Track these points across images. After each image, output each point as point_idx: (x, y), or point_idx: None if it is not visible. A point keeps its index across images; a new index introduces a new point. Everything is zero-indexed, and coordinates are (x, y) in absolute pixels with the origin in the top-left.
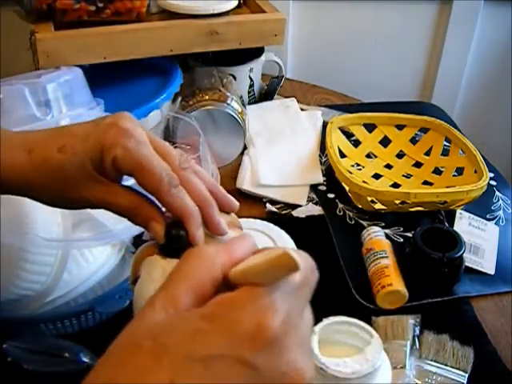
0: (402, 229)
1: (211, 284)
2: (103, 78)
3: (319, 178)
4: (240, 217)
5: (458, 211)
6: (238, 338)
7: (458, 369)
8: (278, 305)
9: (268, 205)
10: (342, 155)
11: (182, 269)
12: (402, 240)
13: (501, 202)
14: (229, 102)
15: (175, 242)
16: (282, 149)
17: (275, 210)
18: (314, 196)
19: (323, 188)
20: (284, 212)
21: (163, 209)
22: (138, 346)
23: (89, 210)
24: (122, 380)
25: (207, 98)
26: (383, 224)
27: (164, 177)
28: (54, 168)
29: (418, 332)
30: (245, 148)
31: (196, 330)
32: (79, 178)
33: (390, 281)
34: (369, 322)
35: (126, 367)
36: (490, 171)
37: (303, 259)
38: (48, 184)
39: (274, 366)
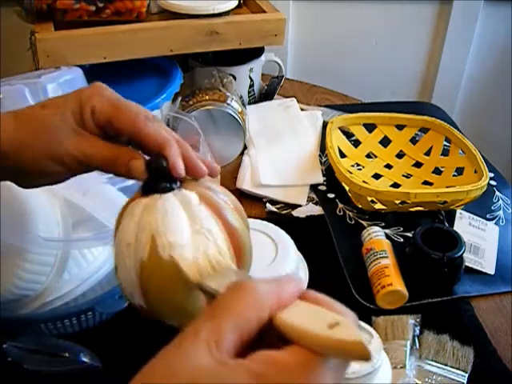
0: (401, 229)
1: (257, 325)
2: (103, 78)
3: (319, 178)
4: None
5: (458, 211)
6: None
7: (458, 369)
8: (330, 379)
9: (268, 205)
10: (342, 155)
11: (230, 303)
12: (402, 240)
13: (501, 201)
14: (229, 101)
15: (156, 173)
16: (282, 149)
17: (275, 210)
18: (314, 196)
19: (323, 188)
20: (284, 212)
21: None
22: None
23: (89, 210)
24: None
25: (207, 98)
26: (383, 224)
27: (140, 113)
28: (39, 123)
29: (417, 332)
30: (245, 148)
31: None
32: (62, 131)
33: (390, 281)
34: (369, 322)
35: None
36: (490, 171)
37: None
38: (33, 142)
39: None
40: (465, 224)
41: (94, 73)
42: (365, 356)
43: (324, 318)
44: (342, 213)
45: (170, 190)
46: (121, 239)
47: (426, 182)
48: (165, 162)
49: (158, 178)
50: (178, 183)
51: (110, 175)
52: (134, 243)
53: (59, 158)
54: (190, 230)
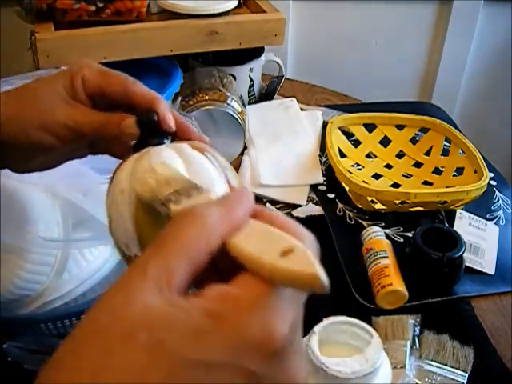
0: (401, 229)
1: (209, 255)
2: None
3: (319, 178)
4: None
5: (458, 211)
6: (244, 346)
7: (458, 369)
8: (287, 312)
9: (268, 205)
10: (342, 155)
11: (178, 234)
12: (402, 240)
13: (501, 201)
14: (229, 101)
15: (147, 126)
16: (282, 149)
17: (275, 209)
18: (314, 196)
19: (323, 188)
20: (284, 212)
21: None
22: (131, 336)
23: (89, 210)
24: (110, 377)
25: (207, 98)
26: (383, 224)
27: (128, 77)
28: (30, 94)
29: (417, 332)
30: (245, 148)
31: (198, 330)
32: (53, 101)
33: (390, 281)
34: (369, 322)
35: (116, 360)
36: (490, 171)
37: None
38: (24, 112)
39: (276, 376)
40: (465, 224)
41: None
42: (319, 288)
43: (278, 244)
44: (341, 213)
45: (162, 144)
46: (114, 190)
47: (426, 182)
48: (155, 115)
49: (150, 133)
50: (170, 138)
51: (110, 175)
52: (128, 188)
53: (51, 127)
54: (186, 169)
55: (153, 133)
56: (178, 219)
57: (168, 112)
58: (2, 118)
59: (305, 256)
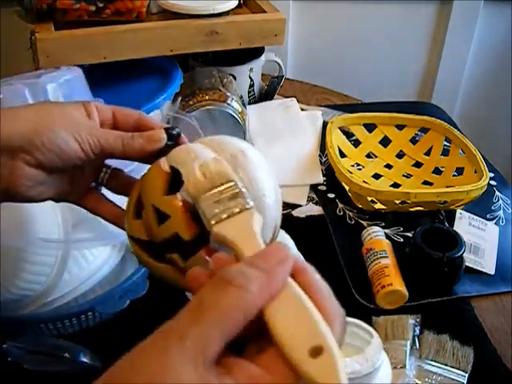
0: (401, 229)
1: (243, 325)
2: (103, 78)
3: (319, 178)
4: None
5: (458, 211)
6: None
7: (458, 369)
8: None
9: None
10: (342, 155)
11: (217, 305)
12: (402, 240)
13: (501, 201)
14: (229, 102)
15: (175, 138)
16: (282, 149)
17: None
18: (314, 196)
19: (323, 188)
20: (284, 212)
21: None
22: None
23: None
24: None
25: (207, 98)
26: (383, 224)
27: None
28: (55, 109)
29: (417, 332)
30: None
31: None
32: (78, 118)
33: (390, 281)
34: (369, 322)
35: None
36: (490, 171)
37: None
38: (53, 121)
39: None
40: (465, 224)
41: (94, 73)
42: None
43: (310, 338)
44: (341, 213)
45: None
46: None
47: (426, 182)
48: (178, 129)
49: (174, 143)
50: None
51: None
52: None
53: (77, 134)
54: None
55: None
56: (219, 285)
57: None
58: (29, 126)
59: (331, 362)
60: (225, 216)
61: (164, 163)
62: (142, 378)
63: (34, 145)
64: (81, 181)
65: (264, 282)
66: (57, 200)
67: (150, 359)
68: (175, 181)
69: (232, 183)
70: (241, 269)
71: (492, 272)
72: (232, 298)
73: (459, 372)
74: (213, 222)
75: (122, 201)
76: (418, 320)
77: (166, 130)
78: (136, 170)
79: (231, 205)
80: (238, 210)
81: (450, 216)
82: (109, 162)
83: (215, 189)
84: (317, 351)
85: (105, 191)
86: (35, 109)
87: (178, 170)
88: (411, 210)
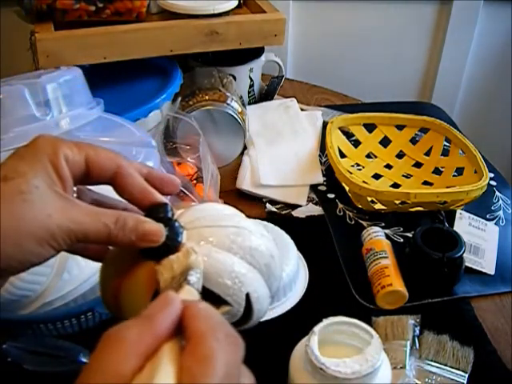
0: (401, 229)
1: (132, 376)
2: (103, 78)
3: (319, 178)
4: None
5: (458, 211)
6: None
7: (458, 369)
8: None
9: (268, 205)
10: (342, 155)
11: (100, 363)
12: (401, 240)
13: (501, 202)
14: (229, 102)
15: (167, 223)
16: (282, 149)
17: (275, 210)
18: (314, 196)
19: (323, 188)
20: (284, 212)
21: None
22: None
23: None
24: None
25: (207, 98)
26: (383, 224)
27: (117, 153)
28: (11, 199)
29: (417, 332)
30: (245, 148)
31: None
32: (45, 199)
33: (390, 281)
34: (369, 322)
35: None
36: (489, 171)
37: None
38: (13, 226)
39: None
40: (465, 224)
41: (93, 73)
42: None
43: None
44: (341, 213)
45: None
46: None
47: (426, 182)
48: (170, 209)
49: (174, 233)
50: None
51: None
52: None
53: (49, 234)
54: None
55: (171, 230)
56: (101, 344)
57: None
58: None
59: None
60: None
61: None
62: None
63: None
64: None
65: (142, 330)
66: None
67: None
68: None
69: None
70: (123, 323)
71: (492, 272)
72: (110, 353)
73: (459, 372)
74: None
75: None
76: (418, 320)
77: (156, 217)
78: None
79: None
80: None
81: (450, 216)
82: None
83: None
84: None
85: None
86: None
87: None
88: (411, 210)
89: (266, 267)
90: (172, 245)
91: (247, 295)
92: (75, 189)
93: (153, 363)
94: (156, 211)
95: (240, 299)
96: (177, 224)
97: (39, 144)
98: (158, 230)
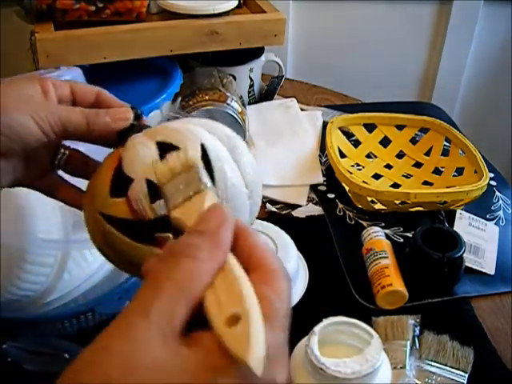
0: (401, 229)
1: (203, 293)
2: (103, 78)
3: (319, 178)
4: None
5: (458, 211)
6: None
7: (458, 369)
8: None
9: (268, 205)
10: (342, 155)
11: (173, 277)
12: (401, 240)
13: (501, 202)
14: (229, 102)
15: (138, 117)
16: (282, 149)
17: (275, 210)
18: (314, 196)
19: (323, 188)
20: (284, 212)
21: None
22: None
23: None
24: None
25: (207, 98)
26: (383, 224)
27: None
28: (9, 92)
29: (417, 332)
30: None
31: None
32: (38, 97)
33: (390, 281)
34: (369, 322)
35: None
36: (489, 171)
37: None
38: (12, 105)
39: None
40: (465, 224)
41: (94, 73)
42: (250, 369)
43: (231, 305)
44: (341, 213)
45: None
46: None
47: (426, 182)
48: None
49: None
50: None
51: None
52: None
53: (33, 110)
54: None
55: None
56: (169, 260)
57: None
58: None
59: (245, 333)
60: (180, 200)
61: (148, 138)
62: (113, 360)
63: None
64: (36, 164)
65: (211, 246)
66: (10, 186)
67: (117, 340)
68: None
69: (194, 169)
70: (186, 240)
71: (492, 272)
72: (185, 268)
73: (459, 372)
74: (171, 207)
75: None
76: (418, 320)
77: (132, 108)
78: (92, 150)
79: (187, 189)
80: (191, 192)
81: (450, 216)
82: (66, 142)
83: (177, 176)
84: (234, 320)
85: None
86: None
87: (169, 144)
88: (411, 210)
89: (228, 138)
90: (143, 125)
91: (202, 146)
92: None
93: (226, 278)
94: (135, 107)
95: (194, 144)
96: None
97: (32, 74)
98: (126, 109)
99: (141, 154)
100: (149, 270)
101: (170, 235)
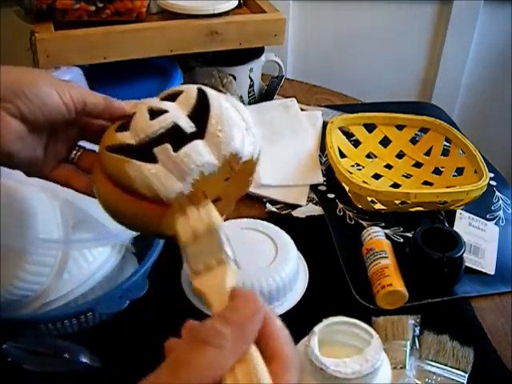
0: (401, 229)
1: (213, 382)
2: (103, 78)
3: (319, 178)
4: (240, 217)
5: (458, 211)
6: None
7: (458, 369)
8: None
9: (268, 205)
10: (342, 155)
11: (194, 364)
12: (401, 240)
13: (501, 202)
14: None
15: None
16: (282, 149)
17: (275, 210)
18: (314, 196)
19: (323, 188)
20: (284, 212)
21: None
22: None
23: (89, 211)
24: None
25: None
26: (383, 224)
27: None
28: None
29: (417, 332)
30: None
31: None
32: (46, 77)
33: (390, 281)
34: (369, 322)
35: None
36: (489, 171)
37: None
38: (36, 77)
39: None
40: (465, 224)
41: (94, 73)
42: None
43: None
44: (341, 213)
45: None
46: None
47: (426, 182)
48: None
49: None
50: None
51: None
52: None
53: (61, 88)
54: None
55: None
56: (195, 345)
57: None
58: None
59: None
60: (202, 268)
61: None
62: None
63: (17, 94)
64: (55, 151)
65: (236, 338)
66: (29, 172)
67: None
68: None
69: (217, 234)
70: (214, 327)
71: (492, 272)
72: (208, 357)
73: (459, 372)
74: (192, 275)
75: None
76: (418, 320)
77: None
78: None
79: (210, 257)
80: (215, 262)
81: (450, 216)
82: (82, 143)
83: (200, 239)
84: None
85: None
86: (21, 68)
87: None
88: (411, 210)
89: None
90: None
91: (200, 90)
92: None
93: (247, 365)
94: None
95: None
96: None
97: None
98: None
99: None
100: (171, 348)
101: (168, 146)
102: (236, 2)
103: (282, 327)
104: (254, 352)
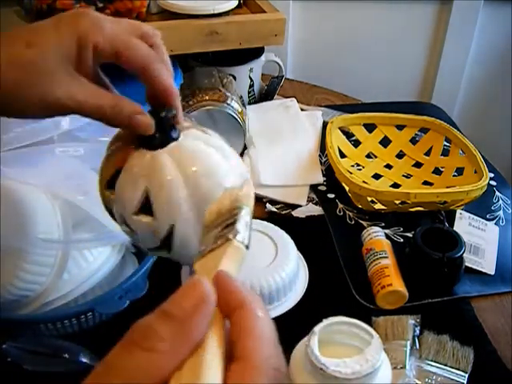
0: (401, 229)
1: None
2: None
3: (319, 178)
4: None
5: (458, 211)
6: None
7: (458, 369)
8: None
9: (268, 205)
10: (342, 155)
11: (125, 371)
12: (401, 240)
13: (501, 202)
14: (229, 102)
15: (165, 122)
16: (282, 149)
17: (275, 210)
18: (314, 196)
19: (323, 188)
20: (284, 212)
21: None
22: None
23: (89, 211)
24: None
25: (207, 98)
26: (383, 224)
27: (150, 51)
28: (26, 63)
29: (418, 332)
30: (245, 148)
31: None
32: (56, 76)
33: (390, 281)
34: (369, 322)
35: None
36: (489, 171)
37: None
38: (24, 93)
39: None
40: (465, 224)
41: None
42: None
43: None
44: (341, 213)
45: (177, 139)
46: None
47: (426, 182)
48: (174, 112)
49: (165, 130)
50: (177, 132)
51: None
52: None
53: (48, 105)
54: (222, 157)
55: (169, 128)
56: (125, 347)
57: (181, 109)
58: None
59: None
60: (208, 250)
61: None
62: None
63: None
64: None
65: (176, 337)
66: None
67: None
68: None
69: (238, 212)
70: (150, 324)
71: (492, 272)
72: (138, 361)
73: (459, 372)
74: (197, 257)
75: None
76: (418, 320)
77: (157, 113)
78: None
79: (221, 238)
80: (219, 242)
81: (450, 216)
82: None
83: (222, 215)
84: None
85: None
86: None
87: None
88: (411, 210)
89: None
90: (164, 138)
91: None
92: None
93: (194, 366)
94: (160, 110)
95: None
96: (171, 123)
97: (79, 24)
98: (148, 123)
99: None
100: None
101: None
102: (236, 2)
103: (263, 325)
104: (210, 348)
